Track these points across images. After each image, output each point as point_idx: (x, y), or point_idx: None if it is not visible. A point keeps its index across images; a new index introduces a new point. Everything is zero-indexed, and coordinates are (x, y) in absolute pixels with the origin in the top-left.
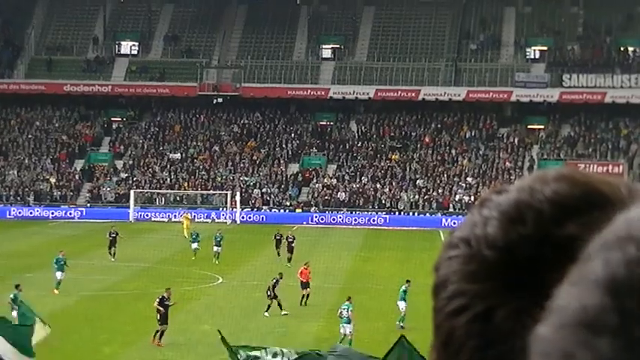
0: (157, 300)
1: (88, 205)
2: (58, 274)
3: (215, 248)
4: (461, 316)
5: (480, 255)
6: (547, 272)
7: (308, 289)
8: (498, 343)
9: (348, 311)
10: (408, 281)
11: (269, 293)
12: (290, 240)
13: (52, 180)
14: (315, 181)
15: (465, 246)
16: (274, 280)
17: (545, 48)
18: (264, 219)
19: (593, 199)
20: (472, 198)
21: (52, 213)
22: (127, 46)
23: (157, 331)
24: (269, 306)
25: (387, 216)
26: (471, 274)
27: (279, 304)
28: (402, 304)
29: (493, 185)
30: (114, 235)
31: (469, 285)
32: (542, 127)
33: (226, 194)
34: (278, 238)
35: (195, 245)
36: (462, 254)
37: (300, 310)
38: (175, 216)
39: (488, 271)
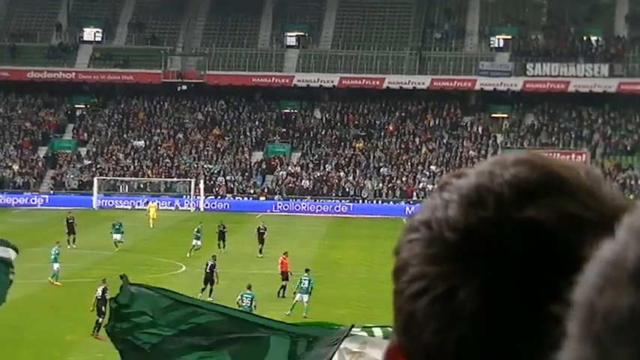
0: (100, 291)
1: (52, 192)
2: (55, 266)
3: (194, 242)
4: (422, 299)
5: (441, 237)
6: (507, 254)
7: (287, 281)
8: (459, 325)
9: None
10: (307, 270)
11: (209, 278)
12: (262, 231)
13: (15, 167)
14: (279, 169)
15: (425, 229)
16: (210, 264)
17: (509, 37)
18: (228, 207)
19: (552, 182)
20: (436, 186)
21: (15, 200)
22: (91, 33)
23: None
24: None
25: (351, 204)
26: (432, 257)
27: (211, 290)
28: (305, 297)
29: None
30: (71, 222)
31: (430, 267)
32: (505, 115)
33: (190, 182)
34: (222, 229)
35: (117, 237)
36: (423, 237)
37: (265, 298)
38: (139, 203)
39: (449, 254)
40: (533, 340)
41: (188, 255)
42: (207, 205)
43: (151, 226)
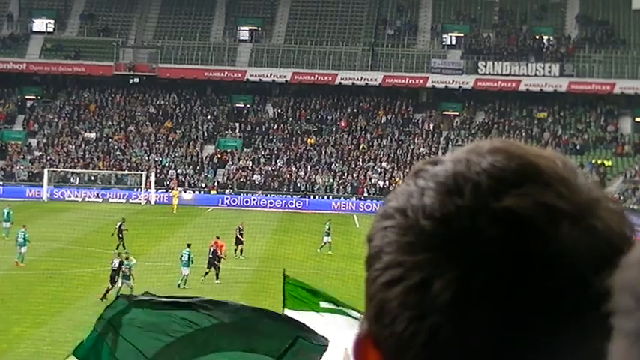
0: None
1: (1, 183)
2: (23, 249)
3: (325, 238)
4: (396, 287)
5: (417, 226)
6: (483, 244)
7: (219, 262)
8: (434, 315)
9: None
10: (188, 245)
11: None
12: (241, 232)
13: None
14: (230, 163)
15: (400, 216)
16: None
17: (461, 35)
18: (179, 200)
19: (528, 171)
20: (387, 183)
21: None
22: (43, 24)
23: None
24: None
25: (305, 199)
26: (408, 245)
27: (108, 290)
28: (185, 270)
29: (409, 170)
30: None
31: (405, 256)
32: (457, 113)
33: (141, 175)
34: (119, 226)
35: (6, 225)
36: (398, 225)
37: (212, 289)
38: (89, 196)
39: (425, 242)
40: (509, 331)
41: (319, 250)
42: (157, 198)
43: (174, 212)
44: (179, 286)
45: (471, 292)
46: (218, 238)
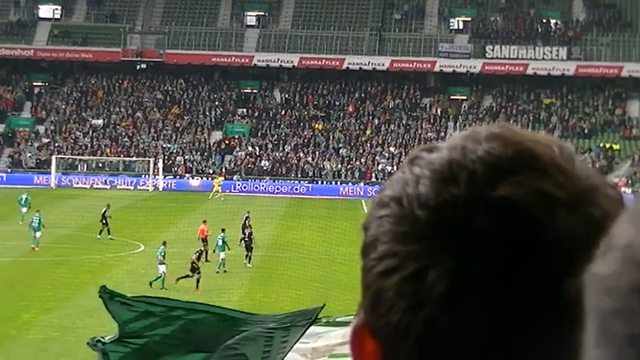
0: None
1: (9, 170)
2: (37, 234)
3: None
4: (392, 277)
5: (412, 215)
6: (478, 234)
7: (205, 245)
8: (429, 305)
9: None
10: (223, 230)
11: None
12: (248, 222)
13: None
14: (238, 149)
15: (396, 205)
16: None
17: (468, 19)
18: (187, 187)
19: (525, 159)
20: (395, 168)
21: None
22: (50, 10)
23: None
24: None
25: (310, 185)
26: (403, 235)
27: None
28: (222, 254)
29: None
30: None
31: (400, 246)
32: (464, 97)
33: (149, 161)
34: (104, 212)
35: (23, 210)
36: (393, 214)
37: (220, 279)
38: (97, 183)
39: (420, 232)
40: (504, 320)
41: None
42: (165, 184)
43: (222, 199)
44: (217, 272)
45: (465, 282)
46: (205, 222)
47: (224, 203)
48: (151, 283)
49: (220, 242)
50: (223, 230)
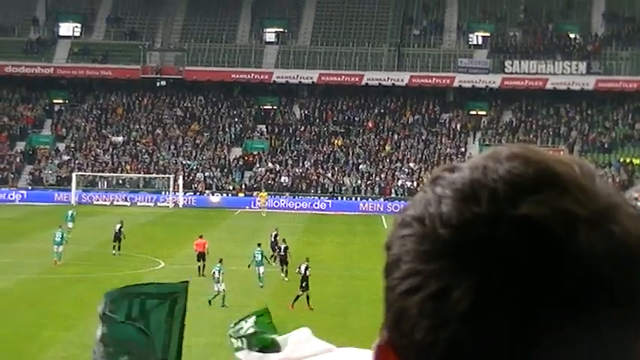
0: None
1: (30, 187)
2: (60, 248)
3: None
4: (415, 296)
5: (435, 234)
6: (501, 252)
7: (203, 261)
8: (452, 324)
9: (219, 273)
10: (259, 245)
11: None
12: (276, 240)
13: None
14: (257, 165)
15: (418, 225)
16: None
17: (487, 34)
18: (207, 203)
19: (546, 178)
20: (414, 183)
21: None
22: (69, 28)
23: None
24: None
25: (330, 201)
26: (425, 254)
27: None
28: (261, 269)
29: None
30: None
31: (423, 264)
32: (484, 112)
33: (169, 178)
34: (119, 228)
35: (70, 225)
36: (416, 233)
37: (240, 295)
38: (117, 199)
39: (443, 251)
40: (526, 337)
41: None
42: (185, 201)
43: (264, 214)
44: (261, 286)
45: (488, 300)
46: (201, 237)
47: (243, 219)
48: (209, 302)
49: (259, 257)
50: (259, 245)
